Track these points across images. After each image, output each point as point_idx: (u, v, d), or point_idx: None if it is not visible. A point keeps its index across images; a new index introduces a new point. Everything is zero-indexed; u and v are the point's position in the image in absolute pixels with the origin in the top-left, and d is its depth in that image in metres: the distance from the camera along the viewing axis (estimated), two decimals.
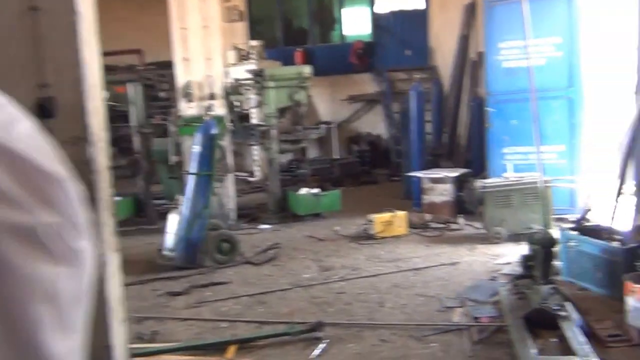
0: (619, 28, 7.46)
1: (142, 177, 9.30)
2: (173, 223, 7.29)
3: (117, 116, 9.21)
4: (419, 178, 9.03)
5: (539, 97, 7.98)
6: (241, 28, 14.70)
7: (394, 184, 12.03)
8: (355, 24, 15.45)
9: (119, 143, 9.46)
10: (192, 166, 7.12)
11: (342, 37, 15.22)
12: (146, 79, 9.14)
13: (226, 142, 9.05)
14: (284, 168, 13.78)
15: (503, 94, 8.17)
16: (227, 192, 9.24)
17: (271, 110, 9.10)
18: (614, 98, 7.82)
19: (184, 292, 6.35)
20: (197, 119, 8.95)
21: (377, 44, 14.83)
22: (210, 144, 7.02)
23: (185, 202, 7.18)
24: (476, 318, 5.05)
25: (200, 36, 8.85)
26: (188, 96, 8.83)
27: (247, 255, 7.57)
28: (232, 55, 13.40)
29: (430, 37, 14.96)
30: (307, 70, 9.10)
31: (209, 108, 8.72)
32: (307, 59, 14.82)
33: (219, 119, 8.90)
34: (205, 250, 7.23)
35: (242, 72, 9.70)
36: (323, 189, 9.52)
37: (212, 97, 8.93)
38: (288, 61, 12.96)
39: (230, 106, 9.70)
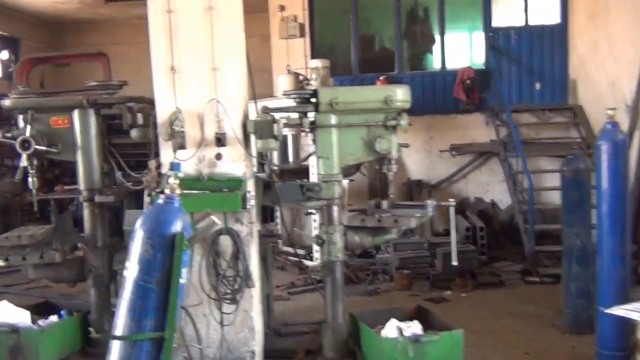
0: None
1: (95, 282, 5.12)
2: None
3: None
4: (620, 317, 4.37)
5: None
6: (301, 47, 10.65)
7: (536, 291, 7.36)
8: (461, 47, 11.12)
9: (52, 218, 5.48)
10: (118, 314, 2.84)
11: (443, 63, 10.85)
12: (106, 105, 5.00)
13: (252, 226, 4.76)
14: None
15: None
16: (249, 321, 4.90)
17: (332, 169, 4.76)
18: None
19: None
20: (191, 182, 4.72)
21: (493, 74, 10.39)
22: (163, 259, 2.72)
23: None
24: None
25: (201, 26, 4.71)
26: (176, 137, 4.63)
27: None
28: (284, 81, 9.35)
29: (572, 62, 10.41)
30: (401, 94, 4.73)
31: (213, 160, 4.55)
32: None
33: (233, 183, 4.66)
34: None
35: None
36: (428, 325, 4.96)
37: (220, 140, 4.70)
38: None
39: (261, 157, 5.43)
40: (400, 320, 4.91)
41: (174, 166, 3.08)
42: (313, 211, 8.91)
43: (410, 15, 11.13)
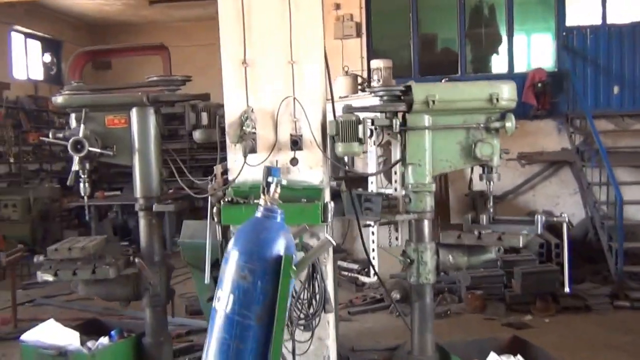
0: None
1: (151, 301, 4.63)
2: None
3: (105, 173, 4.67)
4: None
5: None
6: (357, 47, 10.12)
7: (629, 318, 6.68)
8: (529, 48, 10.46)
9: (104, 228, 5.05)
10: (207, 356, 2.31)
11: (510, 65, 10.20)
12: (168, 103, 4.52)
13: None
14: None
15: None
16: (324, 350, 4.38)
17: (424, 177, 4.20)
18: None
19: None
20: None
21: (566, 77, 9.70)
22: (264, 288, 2.18)
23: None
24: None
25: (278, 13, 4.21)
26: (247, 140, 4.13)
27: None
28: (342, 83, 8.82)
29: None
30: (508, 91, 4.17)
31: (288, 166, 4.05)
32: None
33: (310, 192, 4.15)
34: None
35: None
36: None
37: (296, 143, 4.19)
38: None
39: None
40: (497, 352, 4.32)
41: (273, 171, 2.52)
42: (371, 223, 8.38)
43: (474, 14, 10.51)
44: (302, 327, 4.16)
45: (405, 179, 4.26)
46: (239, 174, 4.17)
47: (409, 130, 4.17)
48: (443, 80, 9.85)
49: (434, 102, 4.03)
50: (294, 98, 4.20)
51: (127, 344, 4.66)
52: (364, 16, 10.16)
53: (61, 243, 4.51)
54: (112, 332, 4.92)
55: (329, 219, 4.03)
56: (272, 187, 2.40)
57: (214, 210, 4.09)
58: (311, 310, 4.15)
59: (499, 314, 6.90)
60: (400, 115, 4.25)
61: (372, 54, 10.07)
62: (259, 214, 2.35)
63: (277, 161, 4.24)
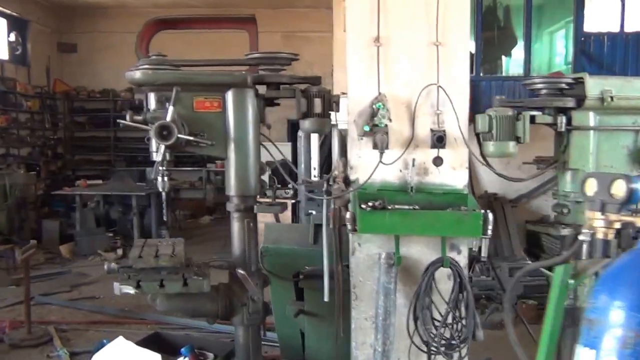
0: None
1: (249, 319, 3.71)
2: None
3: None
4: None
5: None
6: None
7: None
8: (546, 51, 10.03)
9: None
10: None
11: (526, 68, 9.72)
12: (273, 85, 3.62)
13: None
14: None
15: None
16: None
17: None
18: None
19: None
20: (393, 193, 3.45)
21: None
22: None
23: None
24: None
25: None
26: (379, 134, 3.33)
27: None
28: None
29: None
30: None
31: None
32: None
33: (453, 197, 3.39)
34: None
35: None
36: None
37: (441, 140, 3.41)
38: None
39: None
40: None
41: (634, 180, 1.73)
42: None
43: (488, 15, 9.98)
44: (444, 355, 3.41)
45: (560, 186, 3.58)
46: (372, 174, 3.36)
47: (573, 130, 3.48)
48: None
49: (611, 98, 3.36)
50: (439, 86, 3.43)
51: None
52: None
53: (143, 247, 3.56)
54: (183, 350, 4.01)
55: (489, 232, 3.29)
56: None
57: (347, 216, 3.27)
58: (456, 336, 3.41)
59: None
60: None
61: None
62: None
63: (413, 160, 3.47)
